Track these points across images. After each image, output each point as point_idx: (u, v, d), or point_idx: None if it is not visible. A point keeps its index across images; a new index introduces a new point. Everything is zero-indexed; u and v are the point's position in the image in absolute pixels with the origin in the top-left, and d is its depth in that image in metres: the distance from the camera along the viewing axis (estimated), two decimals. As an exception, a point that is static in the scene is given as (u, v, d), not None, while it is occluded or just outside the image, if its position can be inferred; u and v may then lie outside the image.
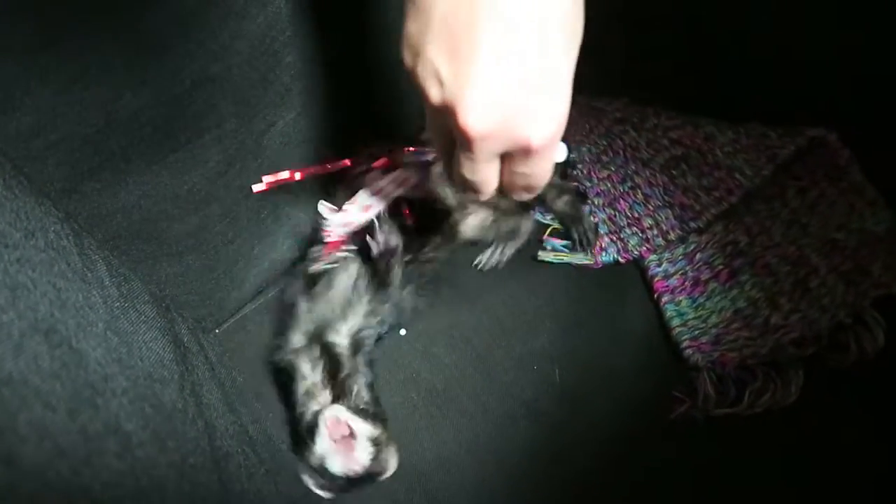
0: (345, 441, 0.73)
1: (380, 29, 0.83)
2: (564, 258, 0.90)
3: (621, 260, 0.89)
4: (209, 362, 0.81)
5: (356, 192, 0.80)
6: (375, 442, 0.74)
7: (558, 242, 0.92)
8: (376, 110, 0.91)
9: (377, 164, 0.81)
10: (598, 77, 0.99)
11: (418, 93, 0.46)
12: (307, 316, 0.82)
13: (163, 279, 0.81)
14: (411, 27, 0.45)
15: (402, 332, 0.90)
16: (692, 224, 0.85)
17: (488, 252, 0.91)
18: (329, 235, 0.80)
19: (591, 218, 0.93)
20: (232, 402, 0.77)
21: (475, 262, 0.92)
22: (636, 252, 0.88)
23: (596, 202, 0.94)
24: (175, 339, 0.74)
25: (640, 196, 0.90)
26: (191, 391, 0.67)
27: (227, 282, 0.89)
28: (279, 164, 0.83)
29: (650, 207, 0.89)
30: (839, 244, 0.79)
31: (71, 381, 0.40)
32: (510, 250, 0.91)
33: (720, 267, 0.84)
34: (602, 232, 0.91)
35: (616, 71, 0.95)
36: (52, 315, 0.45)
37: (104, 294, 0.61)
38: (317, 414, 0.75)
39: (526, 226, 0.91)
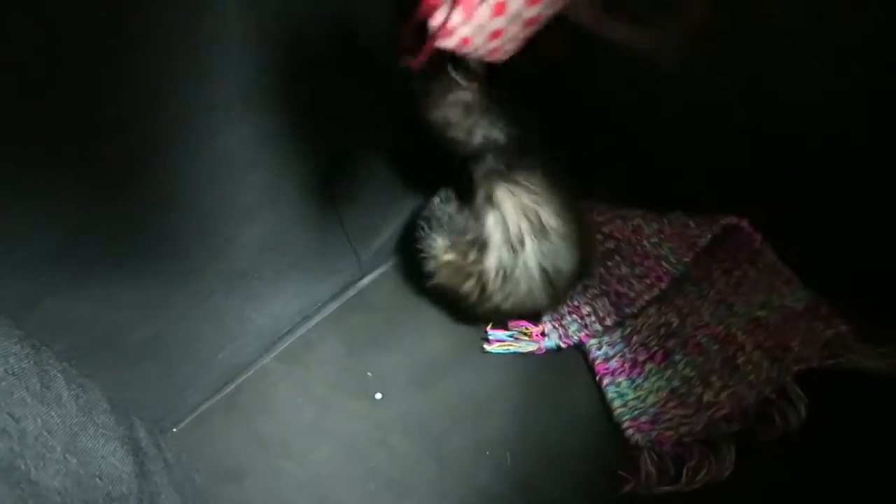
0: None
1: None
2: (510, 348, 0.94)
3: (563, 345, 0.93)
4: (167, 465, 0.82)
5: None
6: None
7: (501, 333, 0.96)
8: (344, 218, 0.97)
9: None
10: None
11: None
12: None
13: (122, 384, 0.83)
14: None
15: (378, 396, 0.94)
16: (627, 310, 0.91)
17: None
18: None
19: None
20: (190, 507, 0.78)
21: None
22: (576, 337, 0.93)
23: (537, 291, 0.99)
24: (134, 446, 0.76)
25: (578, 287, 0.96)
26: (151, 501, 0.68)
27: (187, 383, 0.92)
28: (244, 270, 0.87)
29: (588, 296, 0.95)
30: (762, 321, 0.85)
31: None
32: None
33: (655, 348, 0.90)
34: (545, 319, 0.96)
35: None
36: (12, 450, 0.47)
37: (62, 413, 0.63)
38: None
39: None
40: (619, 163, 0.99)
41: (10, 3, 0.48)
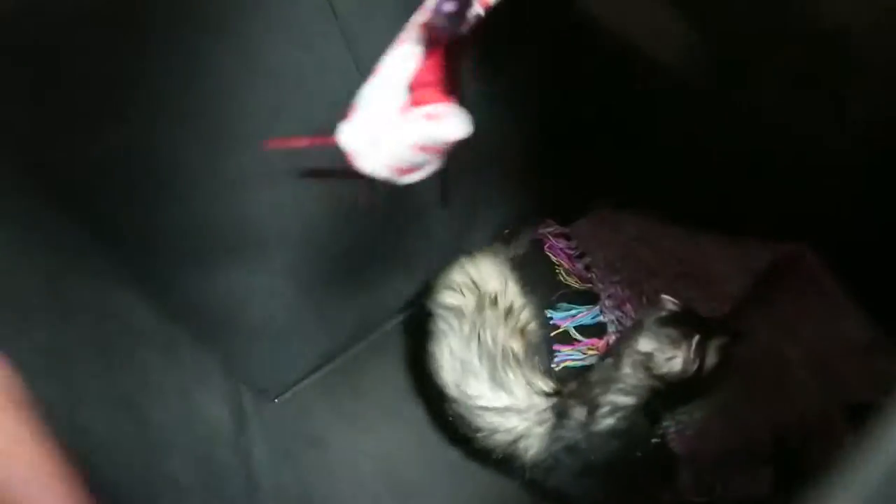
0: None
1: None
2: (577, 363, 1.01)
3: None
4: (265, 426, 0.98)
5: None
6: None
7: (568, 349, 1.03)
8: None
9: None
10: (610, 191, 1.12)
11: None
12: None
13: (237, 357, 0.98)
14: None
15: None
16: (688, 331, 0.95)
17: None
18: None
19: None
20: (278, 465, 0.93)
21: None
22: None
23: (607, 304, 1.05)
24: (238, 406, 0.92)
25: (644, 301, 1.01)
26: (244, 450, 0.83)
27: (290, 361, 1.07)
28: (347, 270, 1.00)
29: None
30: (820, 351, 0.87)
31: (137, 442, 0.57)
32: None
33: (710, 366, 0.93)
34: (611, 330, 1.02)
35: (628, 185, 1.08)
36: (137, 392, 0.63)
37: (182, 371, 0.79)
38: None
39: None
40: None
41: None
